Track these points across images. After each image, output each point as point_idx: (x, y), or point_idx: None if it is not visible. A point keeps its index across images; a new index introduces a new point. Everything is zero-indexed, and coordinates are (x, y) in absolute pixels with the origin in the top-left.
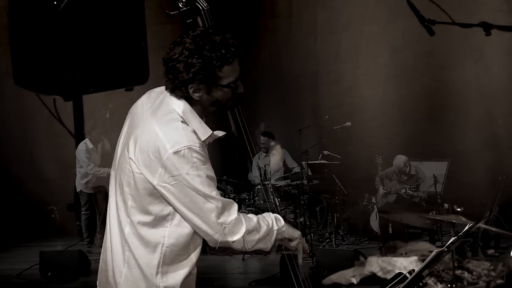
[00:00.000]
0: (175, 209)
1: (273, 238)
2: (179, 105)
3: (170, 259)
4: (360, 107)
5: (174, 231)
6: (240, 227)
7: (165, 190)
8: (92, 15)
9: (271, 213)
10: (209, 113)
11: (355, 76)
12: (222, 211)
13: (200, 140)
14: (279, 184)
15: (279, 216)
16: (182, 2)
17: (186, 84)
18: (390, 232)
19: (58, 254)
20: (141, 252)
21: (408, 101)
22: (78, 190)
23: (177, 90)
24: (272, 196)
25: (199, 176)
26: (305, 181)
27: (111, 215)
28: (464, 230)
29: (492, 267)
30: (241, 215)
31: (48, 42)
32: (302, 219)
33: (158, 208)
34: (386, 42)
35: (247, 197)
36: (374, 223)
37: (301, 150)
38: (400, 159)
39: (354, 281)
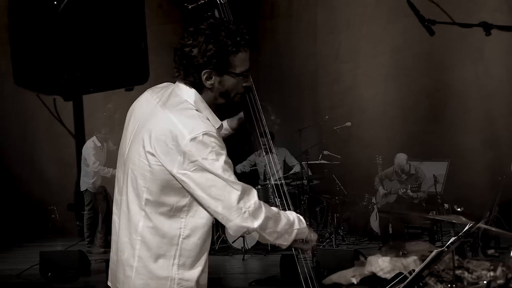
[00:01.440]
0: (195, 197)
1: (293, 235)
2: (189, 95)
3: (188, 251)
4: (360, 107)
5: (190, 222)
6: (260, 212)
7: (185, 177)
8: (92, 15)
9: (293, 212)
10: (216, 104)
11: (355, 76)
12: (242, 196)
13: (215, 127)
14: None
15: (301, 217)
16: None
17: (200, 70)
18: (390, 232)
19: (58, 254)
20: (157, 243)
21: (408, 101)
22: (83, 189)
23: (190, 76)
24: (272, 196)
25: (218, 161)
26: (305, 181)
27: (120, 213)
28: (464, 230)
29: (492, 267)
30: (262, 202)
31: (48, 42)
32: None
33: (174, 200)
34: (386, 42)
35: None
36: (374, 223)
37: (301, 150)
38: (400, 157)
39: (354, 281)
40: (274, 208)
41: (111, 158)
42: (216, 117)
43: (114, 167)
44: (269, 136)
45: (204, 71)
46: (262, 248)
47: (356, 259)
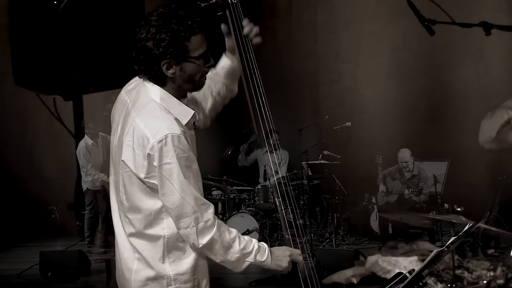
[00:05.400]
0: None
1: (244, 266)
2: (155, 93)
3: (174, 247)
4: (360, 107)
5: (171, 222)
6: (207, 232)
7: (153, 180)
8: (91, 15)
9: (256, 242)
10: (184, 92)
11: (355, 76)
12: (194, 210)
13: (182, 126)
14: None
15: (263, 247)
16: None
17: (158, 61)
18: (390, 232)
19: (58, 254)
20: (145, 246)
21: (409, 101)
22: (84, 189)
23: (150, 70)
24: (272, 196)
25: (178, 166)
26: (305, 181)
27: (113, 216)
28: (464, 230)
29: (492, 267)
30: (218, 223)
31: (48, 42)
32: (301, 221)
33: (150, 203)
34: (386, 42)
35: (247, 197)
36: (374, 223)
37: (301, 150)
38: (404, 152)
39: (354, 280)
40: (232, 235)
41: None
42: (186, 108)
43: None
44: (275, 135)
45: (163, 61)
46: None
47: (356, 259)
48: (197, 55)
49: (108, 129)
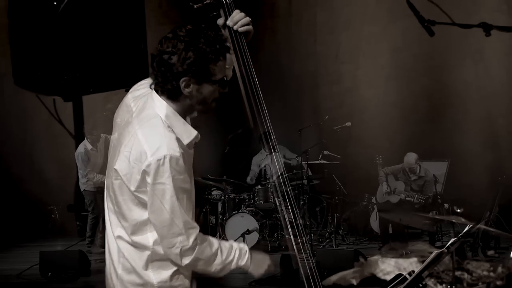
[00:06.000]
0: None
1: (226, 271)
2: (162, 109)
3: (158, 256)
4: (360, 108)
5: (156, 235)
6: (189, 253)
7: (142, 194)
8: (91, 16)
9: (237, 248)
10: (193, 112)
11: (355, 76)
12: (180, 232)
13: (183, 147)
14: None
15: (244, 249)
16: None
17: (179, 78)
18: (390, 232)
19: (58, 254)
20: (130, 252)
21: (408, 102)
22: (82, 189)
23: (168, 83)
24: (272, 196)
25: (171, 190)
26: (305, 181)
27: (106, 216)
28: (464, 231)
29: (491, 268)
30: (201, 240)
31: (48, 42)
32: (301, 221)
33: (137, 214)
34: (386, 42)
35: (247, 197)
36: (374, 223)
37: (301, 150)
38: (411, 156)
39: (354, 282)
40: (213, 248)
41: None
42: (190, 129)
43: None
44: (273, 136)
45: (183, 78)
46: (262, 248)
47: (356, 260)
48: (217, 79)
49: (108, 130)
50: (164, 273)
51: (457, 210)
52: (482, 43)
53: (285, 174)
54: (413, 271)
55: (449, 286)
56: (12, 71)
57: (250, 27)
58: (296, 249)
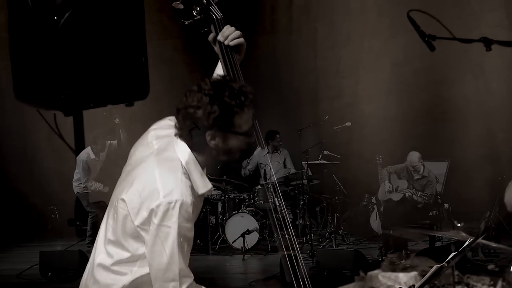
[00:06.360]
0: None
1: None
2: (183, 155)
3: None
4: (361, 123)
5: (139, 271)
6: None
7: (144, 232)
8: (92, 30)
9: None
10: (218, 162)
11: (355, 91)
12: (175, 277)
13: (195, 196)
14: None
15: None
16: (197, 10)
17: (204, 131)
18: (391, 232)
19: (58, 254)
20: (106, 279)
21: (409, 116)
22: (75, 192)
23: (194, 136)
24: (272, 196)
25: (175, 236)
26: (305, 181)
27: (99, 232)
28: (464, 245)
29: (492, 283)
30: None
31: (48, 57)
32: (301, 221)
33: (134, 246)
34: (386, 57)
35: (247, 197)
36: (374, 223)
37: (301, 150)
38: (414, 155)
39: None
40: None
41: (105, 171)
42: (206, 181)
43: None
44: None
45: (208, 132)
46: (262, 248)
47: (356, 261)
48: (243, 131)
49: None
50: None
51: (457, 225)
52: (482, 58)
53: (284, 174)
54: (413, 285)
55: None
56: (13, 85)
57: (241, 39)
58: (284, 246)
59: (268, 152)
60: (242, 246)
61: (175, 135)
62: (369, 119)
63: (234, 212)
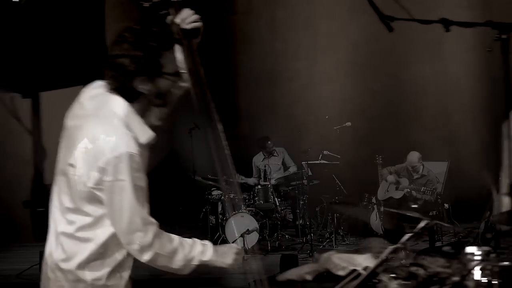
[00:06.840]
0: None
1: (190, 269)
2: (119, 107)
3: (98, 254)
4: (318, 104)
5: (105, 231)
6: (149, 249)
7: (99, 192)
8: (50, 13)
9: (199, 243)
10: (152, 108)
11: (312, 73)
12: (139, 228)
13: (139, 146)
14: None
15: (208, 246)
16: None
17: (132, 77)
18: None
19: None
20: (71, 246)
21: (365, 98)
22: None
23: (123, 85)
24: (272, 196)
25: (131, 184)
26: (305, 181)
27: (51, 214)
28: (419, 226)
29: (447, 264)
30: (159, 236)
31: (6, 39)
32: (301, 221)
33: (92, 209)
34: (344, 39)
35: (247, 197)
36: (374, 223)
37: (301, 150)
38: (413, 155)
39: (309, 277)
40: (174, 243)
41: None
42: (147, 129)
43: None
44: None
45: (137, 78)
46: (262, 248)
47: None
48: (171, 71)
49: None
50: (100, 271)
51: (412, 206)
52: (441, 39)
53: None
54: (368, 267)
55: (403, 282)
56: None
57: (199, 23)
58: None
59: (265, 158)
60: (242, 246)
61: (108, 90)
62: (325, 100)
63: (234, 212)
